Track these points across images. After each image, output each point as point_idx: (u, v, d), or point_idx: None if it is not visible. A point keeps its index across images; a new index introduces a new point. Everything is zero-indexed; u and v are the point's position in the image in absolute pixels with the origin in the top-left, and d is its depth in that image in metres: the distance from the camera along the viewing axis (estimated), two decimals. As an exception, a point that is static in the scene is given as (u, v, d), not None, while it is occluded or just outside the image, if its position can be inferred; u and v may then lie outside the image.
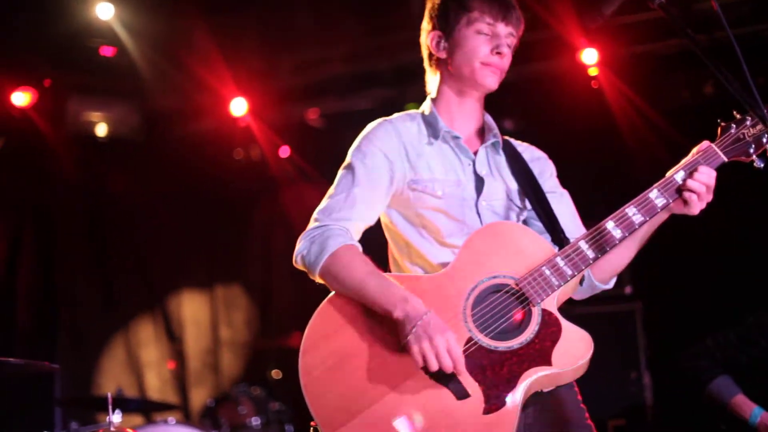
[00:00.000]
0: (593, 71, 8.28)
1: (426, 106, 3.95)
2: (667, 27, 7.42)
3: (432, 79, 4.00)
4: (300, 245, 3.69)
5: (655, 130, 8.07)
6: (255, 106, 9.00)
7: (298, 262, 3.69)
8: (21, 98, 8.59)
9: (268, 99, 9.04)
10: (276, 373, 8.58)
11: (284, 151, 9.40)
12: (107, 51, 8.53)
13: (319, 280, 3.63)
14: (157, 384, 9.22)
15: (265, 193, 9.55)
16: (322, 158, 9.32)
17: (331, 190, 3.80)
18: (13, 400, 7.59)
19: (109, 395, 4.55)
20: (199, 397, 9.22)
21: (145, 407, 8.44)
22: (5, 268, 8.99)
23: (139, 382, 9.11)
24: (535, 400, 3.47)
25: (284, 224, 9.54)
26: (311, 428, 3.44)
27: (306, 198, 9.44)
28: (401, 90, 8.68)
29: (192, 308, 9.45)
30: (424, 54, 3.99)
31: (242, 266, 9.74)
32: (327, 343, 3.46)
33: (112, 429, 4.31)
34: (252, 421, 7.88)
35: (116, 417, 7.35)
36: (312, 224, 3.72)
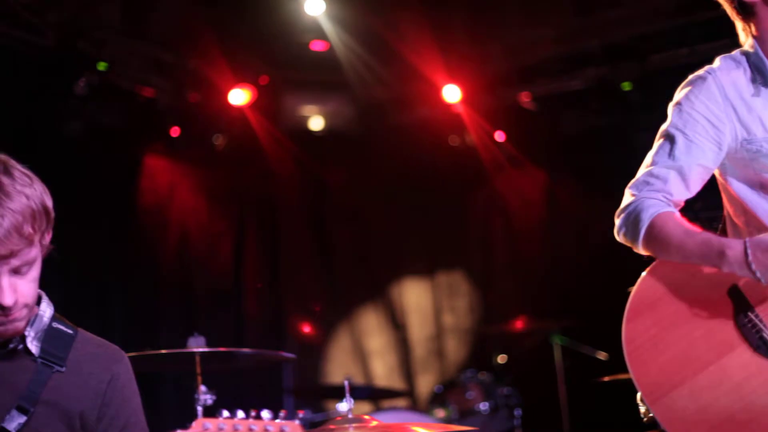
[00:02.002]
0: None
1: (749, 45, 3.60)
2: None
3: (746, 25, 3.60)
4: (618, 221, 3.60)
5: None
6: (468, 92, 9.00)
7: (619, 238, 3.62)
8: (239, 97, 8.84)
9: (480, 84, 9.03)
10: (501, 358, 8.54)
11: (499, 136, 9.35)
12: (318, 46, 8.68)
13: (644, 252, 3.54)
14: (383, 372, 9.34)
15: (481, 178, 9.51)
16: (537, 141, 9.27)
17: (648, 159, 3.63)
18: (244, 390, 7.79)
19: (347, 383, 4.58)
20: (425, 383, 9.28)
21: (372, 394, 8.57)
22: (232, 261, 9.30)
23: (365, 370, 9.24)
24: None
25: (502, 208, 9.51)
26: (638, 395, 3.41)
27: (522, 182, 9.44)
28: (613, 68, 8.50)
29: (414, 296, 9.53)
30: (726, 5, 3.61)
31: (462, 252, 9.75)
32: (651, 312, 3.43)
33: (350, 416, 4.33)
34: (480, 406, 7.89)
35: (347, 404, 7.49)
36: (627, 198, 3.61)
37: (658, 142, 3.61)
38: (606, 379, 5.71)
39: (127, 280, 8.77)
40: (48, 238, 3.23)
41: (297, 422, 2.73)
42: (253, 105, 8.92)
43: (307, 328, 9.39)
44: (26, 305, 3.17)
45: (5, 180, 3.04)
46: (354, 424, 4.17)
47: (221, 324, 8.84)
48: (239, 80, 8.77)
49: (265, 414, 2.72)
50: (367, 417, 4.32)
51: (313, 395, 8.74)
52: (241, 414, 2.72)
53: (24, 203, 3.04)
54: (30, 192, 3.07)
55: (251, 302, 9.32)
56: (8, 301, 3.07)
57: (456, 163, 9.50)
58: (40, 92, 7.84)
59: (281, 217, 9.54)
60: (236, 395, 5.10)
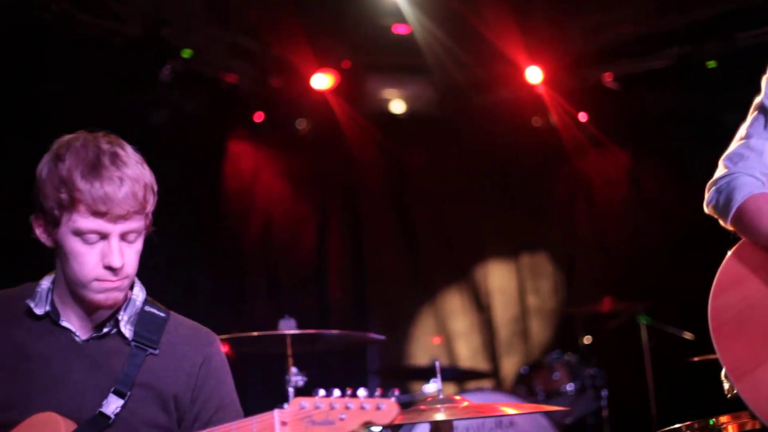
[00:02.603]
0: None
1: None
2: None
3: None
4: (708, 194, 3.61)
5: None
6: (549, 73, 8.96)
7: (707, 210, 3.62)
8: (321, 81, 8.90)
9: (562, 65, 8.99)
10: (587, 339, 8.50)
11: (582, 116, 9.29)
12: (400, 29, 8.69)
13: (730, 228, 3.55)
14: (467, 353, 9.36)
15: (564, 159, 9.46)
16: (620, 121, 9.20)
17: (742, 131, 3.62)
18: (329, 372, 7.86)
19: (437, 363, 4.61)
20: (510, 364, 9.28)
21: (457, 376, 8.59)
22: (316, 245, 9.39)
23: (449, 352, 9.27)
24: None
25: (585, 189, 9.46)
26: (722, 372, 3.41)
27: (605, 162, 9.38)
28: (697, 46, 8.40)
29: (498, 277, 9.52)
30: None
31: (546, 234, 9.71)
32: (737, 289, 3.43)
33: (440, 396, 4.37)
34: (567, 387, 7.86)
35: (433, 386, 7.53)
36: (720, 171, 3.60)
37: (752, 115, 3.58)
38: (694, 359, 5.67)
39: (212, 265, 8.91)
40: (150, 217, 3.34)
41: (393, 399, 2.75)
42: (336, 89, 8.97)
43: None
44: (128, 276, 3.27)
45: (121, 151, 3.23)
46: (445, 405, 4.21)
47: (306, 307, 8.93)
48: (321, 65, 8.83)
49: (361, 392, 2.74)
50: (457, 397, 4.35)
51: (398, 377, 8.79)
52: (337, 392, 2.75)
53: (140, 172, 3.22)
54: (143, 167, 3.26)
55: (335, 285, 9.40)
56: (118, 262, 3.18)
57: (538, 144, 9.47)
58: (126, 81, 7.97)
59: (364, 200, 9.60)
60: (322, 377, 5.16)
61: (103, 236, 3.18)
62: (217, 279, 8.91)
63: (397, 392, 2.81)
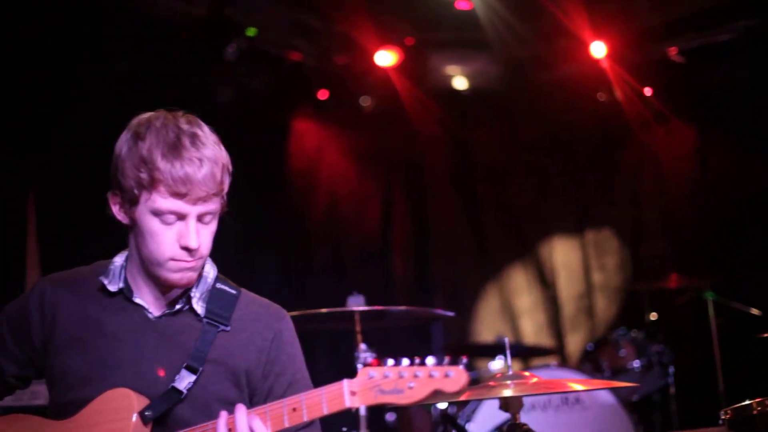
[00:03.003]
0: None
1: None
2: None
3: None
4: None
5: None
6: (613, 47, 8.89)
7: None
8: (385, 58, 8.91)
9: (626, 39, 8.90)
10: (653, 316, 8.44)
11: (647, 91, 9.20)
12: (463, 5, 8.66)
13: None
14: (532, 330, 9.34)
15: (630, 134, 9.37)
16: (686, 96, 9.10)
17: None
18: (394, 349, 7.89)
19: (506, 340, 4.61)
20: (575, 341, 9.25)
21: (522, 352, 8.58)
22: (380, 222, 9.43)
23: (514, 329, 9.26)
24: None
25: (652, 165, 9.37)
26: None
27: (671, 137, 9.28)
28: (764, 19, 8.29)
29: (563, 254, 9.47)
30: None
31: (611, 210, 9.64)
32: None
33: (510, 372, 4.37)
34: (633, 364, 7.81)
35: (499, 362, 7.54)
36: None
37: None
38: (762, 335, 5.61)
39: (278, 243, 8.99)
40: (225, 198, 3.37)
41: (462, 367, 2.76)
42: (399, 66, 8.98)
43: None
44: (203, 257, 3.31)
45: (200, 132, 3.25)
46: (514, 380, 4.21)
47: (370, 284, 8.96)
48: (385, 42, 8.84)
49: (430, 361, 2.75)
50: (526, 373, 4.36)
51: (463, 354, 8.79)
52: (405, 361, 2.77)
53: (217, 153, 3.25)
54: (219, 147, 3.28)
55: (399, 262, 9.43)
56: (195, 243, 3.22)
57: (603, 120, 9.39)
58: (191, 60, 8.04)
59: (428, 177, 9.61)
60: (388, 355, 5.18)
61: (181, 217, 3.21)
62: (282, 257, 9.00)
63: (465, 360, 2.81)
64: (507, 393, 4.16)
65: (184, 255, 3.24)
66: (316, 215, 9.24)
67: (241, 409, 3.02)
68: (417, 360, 2.76)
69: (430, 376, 2.72)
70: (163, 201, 3.18)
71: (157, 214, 3.20)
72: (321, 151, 9.32)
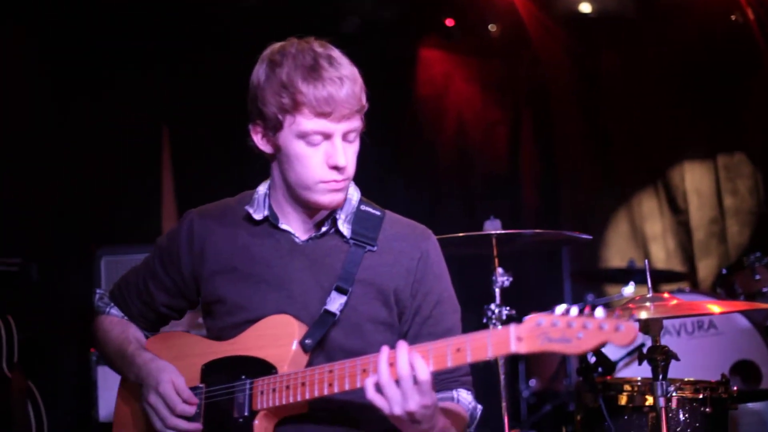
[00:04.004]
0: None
1: None
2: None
3: None
4: None
5: None
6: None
7: None
8: (510, -16, 8.86)
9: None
10: (787, 239, 8.29)
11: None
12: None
13: None
14: (662, 256, 9.25)
15: (763, 56, 9.13)
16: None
17: None
18: (526, 275, 7.93)
19: (646, 262, 4.63)
20: (707, 266, 9.12)
21: (653, 278, 8.49)
22: (508, 149, 9.41)
23: (644, 255, 9.18)
24: None
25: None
26: None
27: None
28: None
29: (694, 179, 9.31)
30: None
31: (743, 133, 9.43)
32: None
33: (649, 295, 4.37)
34: (768, 289, 7.71)
35: (630, 288, 7.51)
36: None
37: None
38: None
39: (407, 170, 9.09)
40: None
41: (633, 322, 2.73)
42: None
43: None
44: (349, 176, 3.39)
45: (335, 53, 3.34)
46: (655, 302, 4.22)
47: (498, 211, 8.99)
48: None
49: (599, 312, 2.73)
50: (666, 295, 4.36)
51: (593, 279, 8.79)
52: (574, 310, 2.75)
53: (355, 72, 3.33)
54: (354, 67, 3.35)
55: (527, 189, 9.42)
56: (343, 161, 3.30)
57: (737, 42, 9.15)
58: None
59: (555, 103, 9.52)
60: (520, 280, 5.23)
61: (327, 136, 3.29)
62: (412, 184, 9.09)
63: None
64: (645, 315, 4.18)
65: (333, 175, 3.31)
66: (444, 143, 9.30)
67: (402, 346, 3.05)
68: (586, 310, 2.74)
69: (600, 328, 2.70)
70: (308, 122, 3.26)
71: (303, 136, 3.29)
72: (448, 79, 9.34)
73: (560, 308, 2.77)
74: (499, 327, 4.79)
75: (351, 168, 3.37)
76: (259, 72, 3.36)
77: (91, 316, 3.86)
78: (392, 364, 3.03)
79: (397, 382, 3.01)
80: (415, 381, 2.99)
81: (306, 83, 3.24)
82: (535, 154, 9.48)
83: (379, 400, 3.05)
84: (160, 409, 3.41)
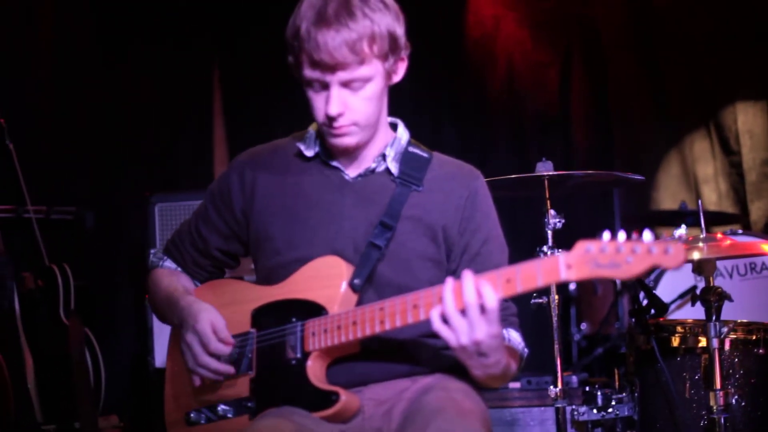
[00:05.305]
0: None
1: None
2: None
3: None
4: None
5: None
6: None
7: None
8: None
9: None
10: None
11: None
12: None
13: None
14: (714, 198, 9.16)
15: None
16: None
17: None
18: (576, 217, 7.92)
19: (699, 202, 4.60)
20: (760, 208, 9.02)
21: (705, 219, 8.42)
22: (559, 90, 9.34)
23: (696, 197, 9.10)
24: None
25: None
26: None
27: None
28: None
29: (747, 120, 9.17)
30: None
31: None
32: None
33: (702, 236, 4.36)
34: (826, 229, 7.65)
35: (682, 230, 7.45)
36: None
37: None
38: None
39: (457, 112, 9.08)
40: (397, 66, 3.43)
41: (681, 244, 2.72)
42: None
43: None
44: (355, 123, 3.38)
45: (356, 2, 3.27)
46: (708, 243, 4.20)
47: (551, 152, 8.95)
48: None
49: (647, 236, 2.73)
50: (719, 236, 4.34)
51: (645, 221, 8.74)
52: (622, 236, 2.76)
53: (365, 24, 3.25)
54: (377, 17, 3.27)
55: (579, 130, 9.36)
56: (333, 110, 3.30)
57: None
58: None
59: (607, 42, 9.41)
60: (571, 222, 5.21)
61: (324, 85, 3.31)
62: (462, 126, 9.08)
63: (684, 233, 2.78)
64: (698, 256, 4.17)
65: (330, 121, 3.35)
66: (494, 85, 9.25)
67: (468, 273, 3.05)
68: (634, 235, 2.76)
69: (649, 251, 2.69)
70: (306, 69, 3.31)
71: (306, 83, 3.35)
72: (498, 21, 9.27)
73: (607, 234, 2.77)
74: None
75: (355, 114, 3.35)
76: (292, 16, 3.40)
77: (146, 271, 3.92)
78: (457, 295, 3.03)
79: (463, 312, 3.01)
80: (483, 309, 2.99)
81: (306, 30, 3.25)
82: (587, 95, 9.39)
83: (446, 332, 3.05)
84: (195, 346, 3.46)
